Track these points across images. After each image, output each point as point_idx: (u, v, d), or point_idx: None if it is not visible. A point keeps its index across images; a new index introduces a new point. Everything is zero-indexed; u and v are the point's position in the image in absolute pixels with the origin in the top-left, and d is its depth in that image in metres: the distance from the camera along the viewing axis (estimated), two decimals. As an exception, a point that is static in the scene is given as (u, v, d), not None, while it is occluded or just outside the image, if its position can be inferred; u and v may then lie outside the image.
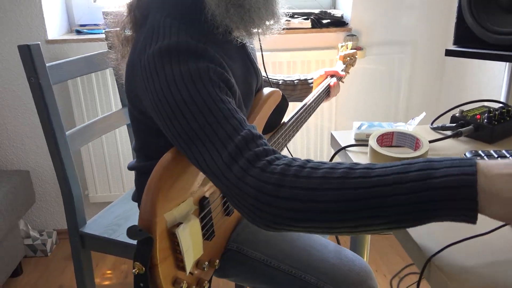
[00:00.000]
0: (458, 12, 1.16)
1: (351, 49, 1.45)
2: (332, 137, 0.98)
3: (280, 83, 1.28)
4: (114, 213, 1.29)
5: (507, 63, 1.17)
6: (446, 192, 0.48)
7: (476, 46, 1.13)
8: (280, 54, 1.84)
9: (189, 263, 0.77)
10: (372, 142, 0.82)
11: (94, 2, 1.98)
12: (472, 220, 0.48)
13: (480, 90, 1.74)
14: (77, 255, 1.21)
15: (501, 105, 0.99)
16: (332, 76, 1.32)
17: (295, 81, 1.28)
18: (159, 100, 0.69)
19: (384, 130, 0.86)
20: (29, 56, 1.05)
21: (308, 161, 0.60)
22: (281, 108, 1.02)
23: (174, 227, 0.75)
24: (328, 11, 1.89)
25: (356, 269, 0.85)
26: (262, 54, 1.00)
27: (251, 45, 0.98)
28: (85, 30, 1.92)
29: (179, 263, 0.76)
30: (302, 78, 1.30)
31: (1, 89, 1.84)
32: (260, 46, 0.97)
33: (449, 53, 1.18)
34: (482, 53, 1.11)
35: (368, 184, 0.52)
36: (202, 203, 0.81)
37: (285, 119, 1.06)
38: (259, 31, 0.82)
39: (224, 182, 0.62)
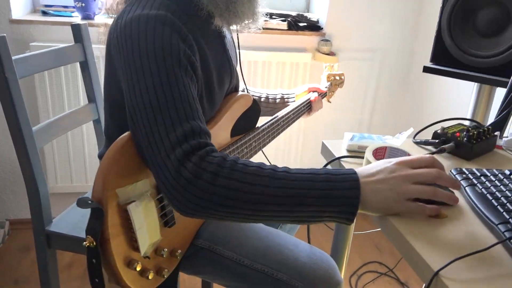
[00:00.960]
0: (437, 32, 1.23)
1: (337, 70, 1.49)
2: (324, 146, 1.02)
3: (262, 99, 1.31)
4: (82, 210, 1.25)
5: (475, 83, 1.27)
6: (341, 201, 0.67)
7: (453, 64, 1.22)
8: (256, 53, 1.85)
9: (143, 244, 0.78)
10: (369, 155, 0.87)
11: (62, -18, 1.88)
12: (351, 217, 0.67)
13: (442, 104, 1.86)
14: (42, 255, 1.17)
15: (474, 123, 1.08)
16: (314, 91, 1.36)
17: (276, 100, 1.32)
18: (128, 65, 0.73)
19: (379, 144, 0.91)
20: None
21: (237, 158, 0.70)
22: (253, 112, 1.06)
23: (127, 204, 0.76)
24: (305, 14, 1.93)
25: (325, 266, 0.91)
26: (239, 59, 1.07)
27: (230, 47, 1.01)
28: (51, 12, 1.83)
29: (133, 243, 0.77)
30: (285, 94, 1.33)
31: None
32: (239, 49, 1.07)
33: (427, 70, 1.26)
34: (458, 73, 1.20)
35: (289, 185, 0.67)
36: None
37: (260, 124, 1.10)
38: (238, 27, 0.90)
39: (163, 161, 0.68)
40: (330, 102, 1.52)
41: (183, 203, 0.68)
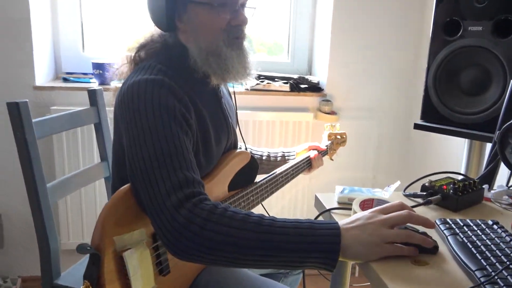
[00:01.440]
0: (424, 91, 1.32)
1: (338, 129, 1.57)
2: (317, 198, 1.07)
3: (263, 158, 1.39)
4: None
5: (467, 139, 1.33)
6: (323, 246, 0.72)
7: (441, 121, 1.29)
8: (261, 113, 1.96)
9: None
10: (356, 207, 0.92)
11: (83, 52, 2.06)
12: (333, 263, 0.72)
13: (442, 159, 1.91)
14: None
15: (462, 177, 1.13)
16: (314, 149, 1.43)
17: (277, 158, 1.40)
18: (129, 122, 0.83)
19: (366, 196, 0.96)
20: (17, 113, 1.10)
21: (229, 206, 0.77)
22: (251, 168, 1.13)
23: (123, 251, 0.81)
24: (306, 77, 2.05)
25: None
26: (236, 114, 1.17)
27: (228, 107, 1.10)
28: (71, 78, 1.98)
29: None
30: (286, 152, 1.41)
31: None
32: (236, 109, 1.16)
33: (417, 127, 1.33)
34: (446, 129, 1.26)
35: (275, 231, 0.73)
36: (156, 236, 0.88)
37: (259, 180, 1.16)
38: (233, 82, 1.00)
39: (159, 207, 0.75)
40: (332, 160, 1.59)
41: (177, 246, 0.74)
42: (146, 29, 1.03)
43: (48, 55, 1.96)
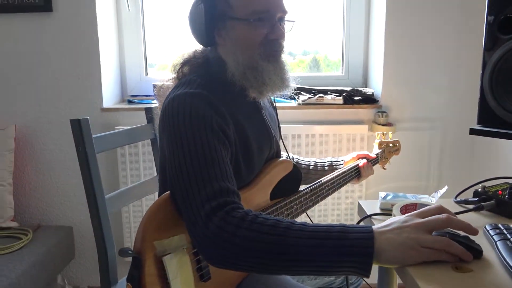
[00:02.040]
0: (480, 94, 1.24)
1: (391, 137, 1.53)
2: (359, 205, 1.04)
3: (310, 168, 1.38)
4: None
5: (532, 143, 1.22)
6: (355, 250, 0.69)
7: (499, 125, 1.20)
8: (314, 127, 1.96)
9: None
10: (396, 212, 0.88)
11: (145, 75, 2.20)
12: (367, 268, 0.69)
13: (509, 167, 1.76)
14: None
15: (524, 182, 1.04)
16: (363, 158, 1.40)
17: (325, 167, 1.38)
18: (170, 134, 0.87)
19: (408, 201, 0.92)
20: (79, 128, 1.19)
21: (261, 213, 0.78)
22: (294, 177, 1.13)
23: (163, 256, 0.83)
24: (360, 89, 2.01)
25: None
26: (278, 122, 1.18)
27: (270, 118, 1.12)
28: (135, 100, 2.13)
29: None
30: (333, 161, 1.39)
31: (59, 151, 2.03)
32: (277, 114, 1.19)
33: (473, 132, 1.24)
34: (505, 133, 1.17)
35: (305, 235, 0.72)
36: None
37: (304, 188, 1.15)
38: (270, 93, 1.01)
39: (194, 215, 0.77)
40: (385, 169, 1.53)
41: (210, 253, 0.76)
42: (191, 46, 1.09)
43: (114, 79, 2.13)
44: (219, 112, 0.90)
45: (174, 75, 1.06)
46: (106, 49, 2.02)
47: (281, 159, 1.13)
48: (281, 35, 0.97)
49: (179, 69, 1.05)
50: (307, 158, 1.42)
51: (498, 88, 1.20)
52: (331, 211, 2.00)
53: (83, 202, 2.07)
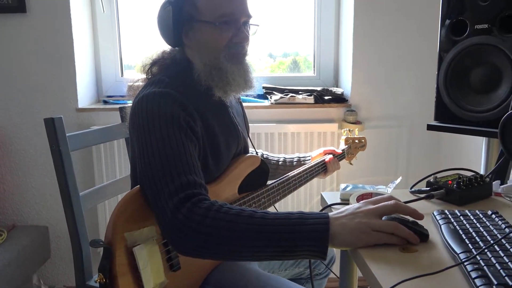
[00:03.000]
0: (436, 92, 1.33)
1: (357, 134, 1.60)
2: (322, 197, 1.11)
3: (279, 163, 1.45)
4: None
5: (484, 137, 1.31)
6: (313, 235, 0.76)
7: (454, 121, 1.28)
8: (286, 125, 2.02)
9: (147, 283, 0.88)
10: (352, 201, 0.95)
11: (121, 76, 2.23)
12: (324, 251, 0.76)
13: (472, 161, 1.86)
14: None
15: (473, 173, 1.12)
16: (329, 153, 1.47)
17: (293, 162, 1.45)
18: (139, 131, 0.92)
19: (364, 191, 0.99)
20: (53, 127, 1.22)
21: (225, 203, 0.83)
22: (262, 172, 1.19)
23: (134, 246, 0.88)
24: (330, 88, 2.09)
25: None
26: (246, 120, 1.24)
27: (237, 115, 1.18)
28: (111, 101, 2.15)
29: (140, 282, 0.88)
30: (301, 157, 1.46)
31: (33, 151, 2.04)
32: (243, 112, 1.24)
33: (430, 127, 1.33)
34: (460, 128, 1.26)
35: (267, 223, 0.78)
36: None
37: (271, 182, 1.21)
38: (234, 93, 1.07)
39: (163, 207, 0.83)
40: (351, 164, 1.61)
41: (178, 242, 0.81)
42: (159, 46, 1.13)
43: (90, 80, 2.15)
44: (187, 110, 0.95)
45: (144, 75, 1.11)
46: (81, 49, 2.04)
47: (248, 154, 1.19)
48: (245, 39, 1.03)
49: (148, 69, 1.09)
50: (276, 155, 1.48)
51: (452, 86, 1.29)
52: (303, 205, 2.07)
53: (59, 202, 2.08)
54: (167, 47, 1.11)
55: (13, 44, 1.95)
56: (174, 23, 1.01)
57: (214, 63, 1.01)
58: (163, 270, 0.93)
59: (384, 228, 0.78)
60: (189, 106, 0.96)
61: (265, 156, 1.45)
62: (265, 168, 1.20)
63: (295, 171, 1.30)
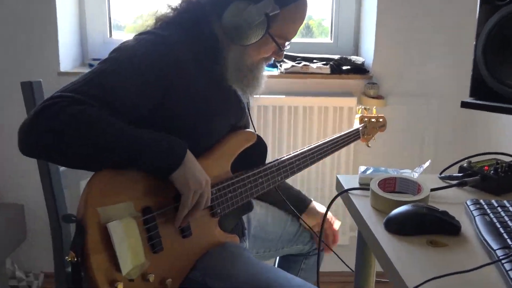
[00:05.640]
0: (473, 64, 1.29)
1: (375, 112, 1.56)
2: (338, 180, 1.09)
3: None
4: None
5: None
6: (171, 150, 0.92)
7: (494, 98, 1.25)
8: (297, 98, 2.00)
9: (124, 264, 0.88)
10: (374, 186, 0.93)
11: (109, 37, 2.20)
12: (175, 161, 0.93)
13: (505, 144, 1.84)
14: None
15: (512, 158, 1.10)
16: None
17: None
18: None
19: (387, 175, 0.97)
20: (30, 92, 1.19)
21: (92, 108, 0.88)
22: (259, 149, 1.18)
23: (108, 222, 0.88)
24: (349, 57, 2.05)
25: None
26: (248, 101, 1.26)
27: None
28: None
29: (115, 262, 0.88)
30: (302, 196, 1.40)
31: (11, 122, 2.02)
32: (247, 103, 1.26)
33: (464, 105, 1.30)
34: (499, 107, 1.23)
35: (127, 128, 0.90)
36: (145, 211, 0.95)
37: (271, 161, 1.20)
38: (248, 94, 1.17)
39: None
40: (369, 146, 1.59)
41: (27, 135, 0.88)
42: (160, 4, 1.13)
43: (74, 40, 2.11)
44: (170, 56, 0.98)
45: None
46: (64, 6, 2.00)
47: (243, 130, 1.17)
48: (281, 57, 1.16)
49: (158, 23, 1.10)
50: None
51: (492, 57, 1.26)
52: (314, 189, 2.07)
53: (37, 178, 2.08)
54: (173, 4, 1.10)
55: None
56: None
57: (248, 63, 1.10)
58: (142, 250, 0.93)
59: (202, 201, 0.97)
60: (180, 56, 1.00)
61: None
62: (262, 145, 1.19)
63: (306, 147, 1.28)
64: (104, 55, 1.04)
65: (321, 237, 1.19)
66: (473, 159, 1.08)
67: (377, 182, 0.95)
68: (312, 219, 1.35)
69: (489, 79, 1.25)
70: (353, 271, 1.11)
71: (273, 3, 1.03)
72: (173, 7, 1.11)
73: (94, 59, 2.19)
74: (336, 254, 1.31)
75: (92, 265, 0.86)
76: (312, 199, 1.40)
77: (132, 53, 0.98)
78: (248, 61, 1.10)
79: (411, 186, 0.96)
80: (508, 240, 0.73)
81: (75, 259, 0.85)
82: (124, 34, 2.23)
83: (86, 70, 1.99)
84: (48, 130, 0.85)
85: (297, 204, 1.35)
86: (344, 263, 1.28)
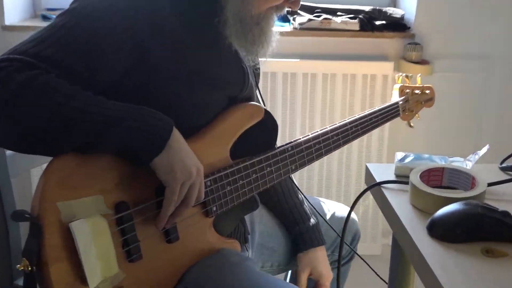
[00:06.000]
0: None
1: (419, 82, 1.56)
2: (367, 170, 1.11)
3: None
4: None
5: None
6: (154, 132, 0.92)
7: None
8: (315, 63, 2.01)
9: (91, 274, 0.88)
10: (414, 179, 0.95)
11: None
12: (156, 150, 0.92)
13: None
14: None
15: None
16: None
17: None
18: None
19: (432, 165, 0.99)
20: None
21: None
22: (267, 129, 1.17)
23: (71, 221, 0.87)
24: (384, 9, 2.05)
25: None
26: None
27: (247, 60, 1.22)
28: (53, 16, 2.13)
29: (81, 273, 0.88)
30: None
31: None
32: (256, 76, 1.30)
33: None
34: None
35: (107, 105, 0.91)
36: (119, 208, 0.95)
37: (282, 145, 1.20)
38: (255, 55, 1.18)
39: None
40: (412, 126, 1.60)
41: None
42: None
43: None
44: (156, 12, 1.00)
45: None
46: None
47: (248, 103, 1.17)
48: (297, 6, 1.15)
49: None
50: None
51: None
52: (336, 180, 2.10)
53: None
54: None
55: None
56: None
57: (254, 14, 1.08)
58: (115, 258, 0.94)
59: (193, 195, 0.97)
60: (167, 18, 1.01)
61: None
62: (271, 124, 1.18)
63: (328, 127, 1.27)
64: (61, 4, 1.04)
65: (342, 245, 1.21)
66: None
67: (419, 173, 0.96)
68: (306, 267, 1.33)
69: None
70: (386, 282, 1.14)
71: None
72: None
73: (49, 9, 2.19)
74: (367, 263, 1.33)
75: (51, 276, 0.86)
76: (324, 243, 1.36)
77: (99, 4, 0.98)
78: (254, 11, 1.08)
79: (462, 179, 0.97)
80: None
81: (29, 268, 0.85)
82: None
83: (37, 23, 2.02)
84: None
85: (304, 238, 1.34)
86: (377, 274, 1.30)
